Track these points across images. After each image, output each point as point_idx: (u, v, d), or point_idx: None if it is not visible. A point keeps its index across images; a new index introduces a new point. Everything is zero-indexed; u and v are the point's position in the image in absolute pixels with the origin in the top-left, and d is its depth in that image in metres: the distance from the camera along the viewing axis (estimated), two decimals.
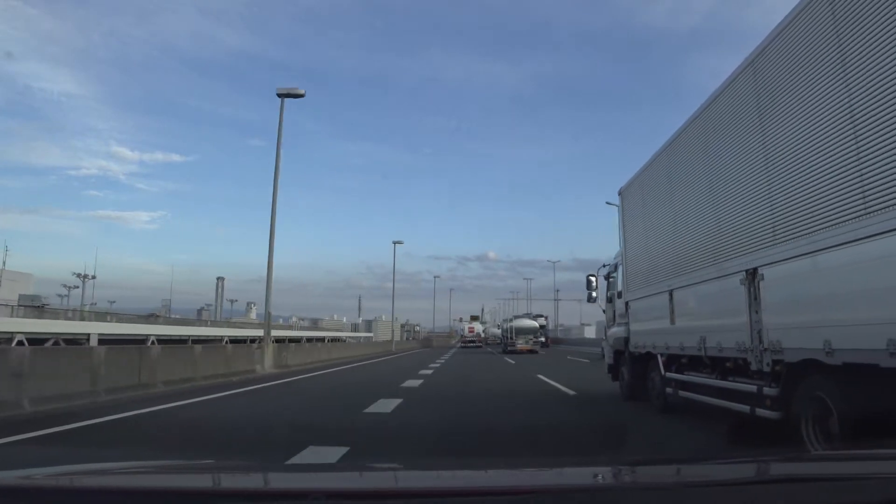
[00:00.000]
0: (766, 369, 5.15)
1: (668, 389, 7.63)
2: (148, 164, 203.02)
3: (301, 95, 19.29)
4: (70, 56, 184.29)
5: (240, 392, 11.21)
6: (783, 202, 4.88)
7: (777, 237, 4.96)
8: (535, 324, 46.34)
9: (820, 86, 4.38)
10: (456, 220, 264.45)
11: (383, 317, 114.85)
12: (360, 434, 6.43)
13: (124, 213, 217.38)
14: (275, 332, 60.78)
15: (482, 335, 67.38)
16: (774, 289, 5.06)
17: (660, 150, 8.21)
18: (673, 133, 7.66)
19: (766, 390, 5.14)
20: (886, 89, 3.68)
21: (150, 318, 50.90)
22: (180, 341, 39.96)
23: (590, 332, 58.85)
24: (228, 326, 62.89)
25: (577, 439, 6.38)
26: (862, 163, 3.91)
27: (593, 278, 12.14)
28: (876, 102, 3.78)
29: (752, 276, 5.37)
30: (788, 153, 4.81)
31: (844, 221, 4.05)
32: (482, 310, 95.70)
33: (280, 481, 1.68)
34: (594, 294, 12.12)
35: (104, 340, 29.63)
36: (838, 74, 4.15)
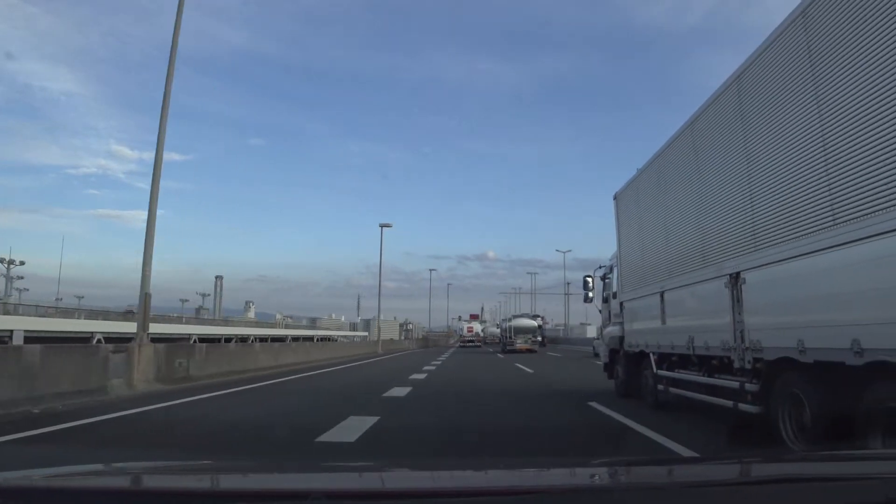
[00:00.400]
0: (748, 367, 5.52)
1: (660, 386, 8.00)
2: (147, 163, 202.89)
3: None
4: (69, 55, 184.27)
5: None
6: (763, 212, 5.25)
7: (758, 244, 5.33)
8: (534, 323, 46.83)
9: (795, 107, 4.75)
10: (456, 220, 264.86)
11: (382, 316, 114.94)
12: None
13: (124, 212, 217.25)
14: (248, 331, 54.48)
15: (481, 335, 67.19)
16: (755, 292, 5.44)
17: (652, 157, 8.58)
18: (664, 142, 8.03)
19: (748, 386, 5.52)
20: (854, 113, 4.04)
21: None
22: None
23: (592, 332, 59.07)
24: (198, 323, 55.71)
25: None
26: (831, 178, 4.27)
27: (590, 279, 12.54)
28: (844, 125, 4.13)
29: (736, 279, 5.74)
30: (767, 167, 5.18)
31: (815, 232, 4.42)
32: (482, 309, 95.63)
33: (280, 481, 1.69)
34: (591, 294, 12.51)
35: None
36: (811, 97, 4.52)
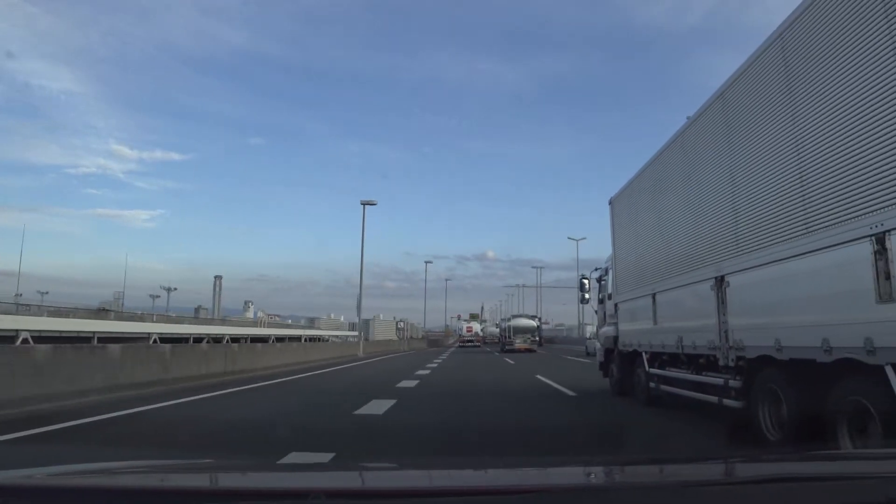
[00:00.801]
0: (732, 364, 5.90)
1: (652, 384, 8.38)
2: (147, 163, 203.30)
3: None
4: (70, 54, 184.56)
5: None
6: (745, 219, 5.61)
7: (740, 249, 5.70)
8: (533, 323, 47.37)
9: (773, 123, 5.11)
10: (455, 219, 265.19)
11: (380, 316, 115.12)
12: None
13: (123, 212, 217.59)
14: (227, 330, 50.64)
15: (480, 334, 67.23)
16: (738, 294, 5.80)
17: (644, 165, 8.95)
18: (657, 150, 8.40)
19: (732, 383, 5.89)
20: (824, 131, 4.39)
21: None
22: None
23: (591, 332, 59.08)
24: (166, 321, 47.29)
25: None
26: (805, 190, 4.63)
27: (586, 281, 12.91)
28: (816, 141, 4.49)
29: (721, 282, 6.11)
30: (749, 177, 5.54)
31: (791, 238, 4.78)
32: (482, 308, 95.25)
33: (280, 481, 1.68)
34: (587, 296, 12.88)
35: None
36: (788, 115, 4.88)
